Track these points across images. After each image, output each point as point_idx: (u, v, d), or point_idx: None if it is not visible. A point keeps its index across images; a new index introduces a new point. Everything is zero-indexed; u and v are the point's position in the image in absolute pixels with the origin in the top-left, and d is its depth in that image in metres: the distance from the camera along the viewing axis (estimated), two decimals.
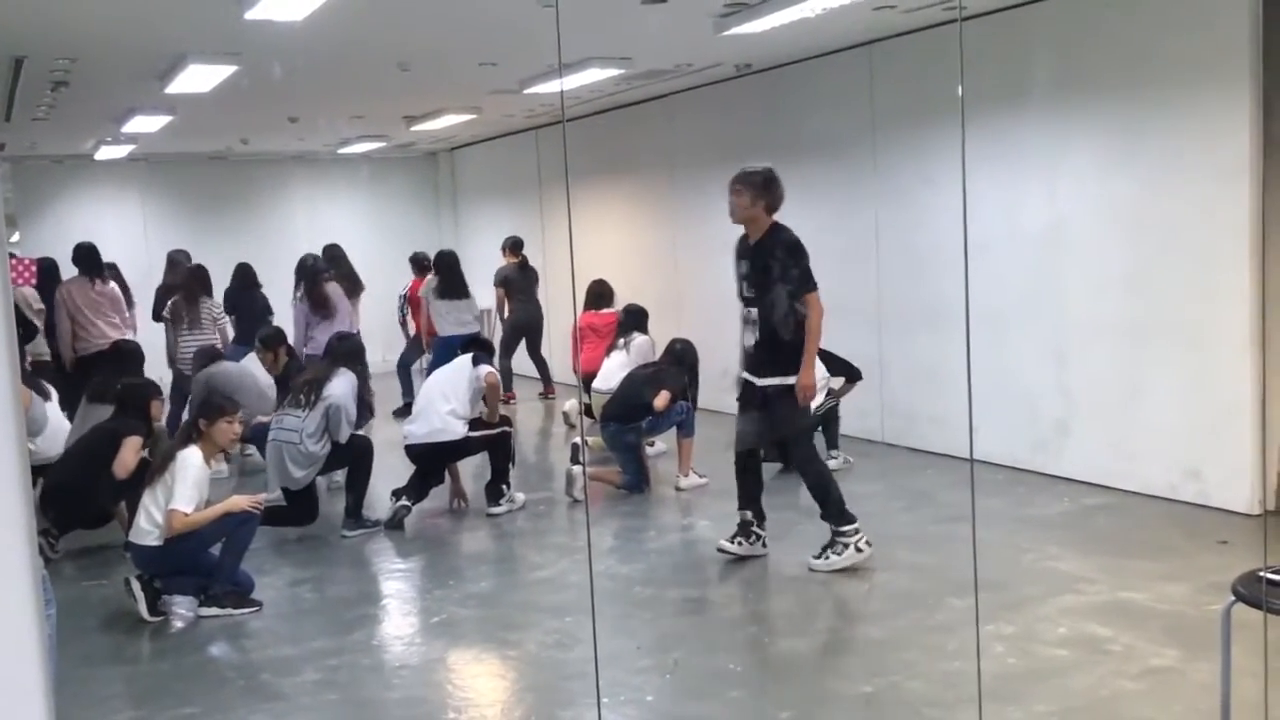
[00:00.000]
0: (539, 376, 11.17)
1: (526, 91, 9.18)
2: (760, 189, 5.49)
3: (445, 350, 8.80)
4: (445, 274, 9.92)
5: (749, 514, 5.77)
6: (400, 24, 6.58)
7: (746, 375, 5.64)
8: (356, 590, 5.79)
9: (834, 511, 5.55)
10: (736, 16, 6.72)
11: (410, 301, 11.45)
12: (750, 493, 5.78)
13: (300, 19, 5.95)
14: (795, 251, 5.47)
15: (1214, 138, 5.99)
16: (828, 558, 5.52)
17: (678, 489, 7.30)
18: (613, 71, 8.50)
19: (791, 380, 5.46)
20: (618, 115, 10.88)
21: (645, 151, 10.76)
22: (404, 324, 11.76)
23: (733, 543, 5.75)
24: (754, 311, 5.52)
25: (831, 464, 6.86)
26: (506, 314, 10.92)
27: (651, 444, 7.88)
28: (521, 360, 10.99)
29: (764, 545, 5.79)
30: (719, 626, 5.09)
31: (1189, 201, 6.14)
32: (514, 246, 10.96)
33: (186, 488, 5.22)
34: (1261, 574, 2.98)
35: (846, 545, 5.51)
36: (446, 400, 6.90)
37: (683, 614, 5.16)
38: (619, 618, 5.09)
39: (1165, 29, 6.18)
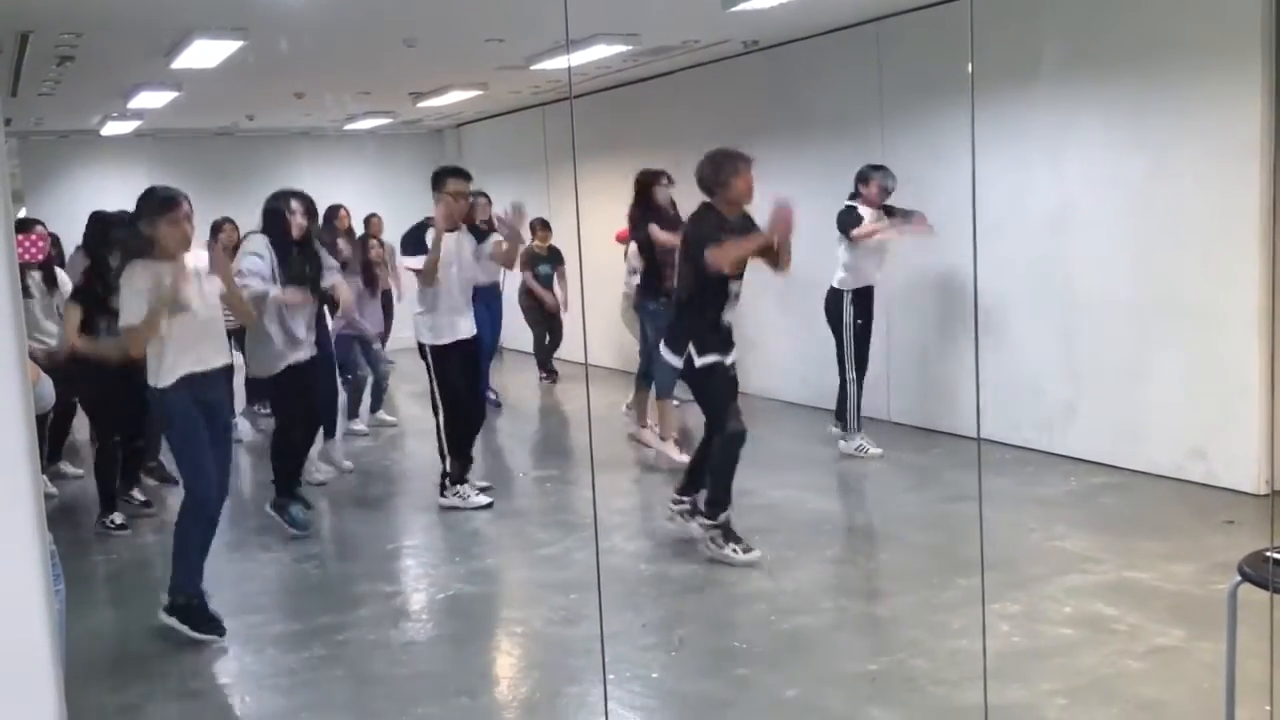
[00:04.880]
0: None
1: (533, 68, 9.14)
2: None
3: None
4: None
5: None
6: None
7: (718, 357, 5.28)
8: (362, 567, 5.81)
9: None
10: None
11: None
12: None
13: None
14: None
15: (1224, 118, 5.94)
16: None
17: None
18: (620, 48, 8.45)
19: None
20: (625, 92, 10.83)
21: (652, 128, 10.70)
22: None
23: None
24: (737, 285, 5.21)
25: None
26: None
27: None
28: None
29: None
30: (725, 604, 5.09)
31: (1198, 182, 6.10)
32: (542, 225, 10.82)
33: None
34: (1268, 554, 2.98)
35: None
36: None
37: (688, 591, 5.17)
38: (624, 594, 5.11)
39: (1176, 7, 6.13)
